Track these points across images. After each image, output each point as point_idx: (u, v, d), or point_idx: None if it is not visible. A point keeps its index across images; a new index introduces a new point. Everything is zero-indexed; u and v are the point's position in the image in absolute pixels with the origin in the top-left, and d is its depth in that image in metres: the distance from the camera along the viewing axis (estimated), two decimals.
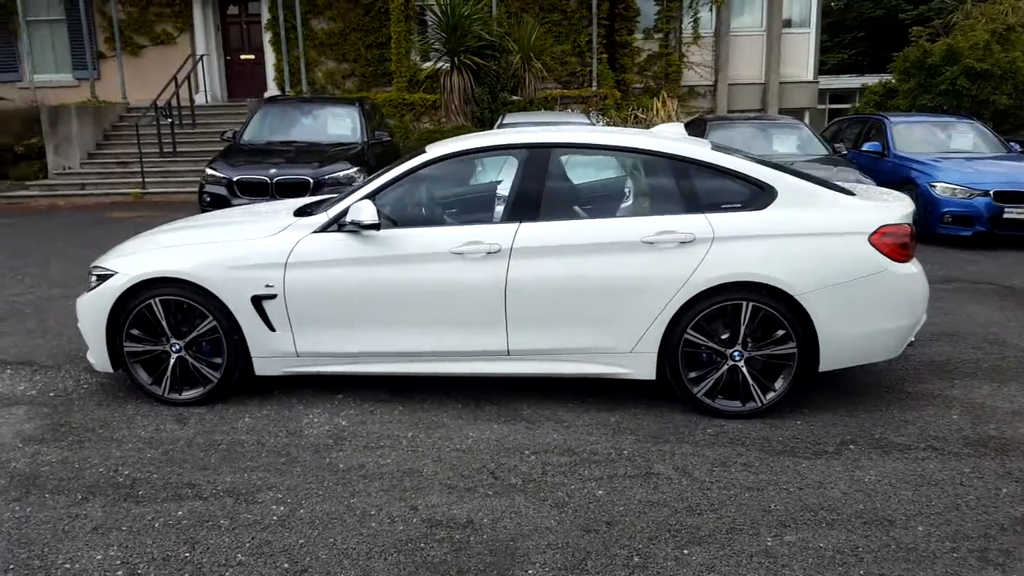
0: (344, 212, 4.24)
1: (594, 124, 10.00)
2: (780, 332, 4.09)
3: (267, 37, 16.70)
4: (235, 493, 3.48)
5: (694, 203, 4.19)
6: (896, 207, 4.22)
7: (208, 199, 8.75)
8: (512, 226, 4.19)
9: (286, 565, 2.93)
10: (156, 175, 13.44)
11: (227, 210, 5.67)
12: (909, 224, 4.18)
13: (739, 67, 17.30)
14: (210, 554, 3.01)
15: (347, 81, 16.72)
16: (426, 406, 4.42)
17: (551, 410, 4.35)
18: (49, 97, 15.81)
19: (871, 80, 17.75)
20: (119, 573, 2.89)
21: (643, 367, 4.22)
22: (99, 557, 2.99)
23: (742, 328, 4.10)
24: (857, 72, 23.79)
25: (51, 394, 4.68)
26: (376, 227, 4.17)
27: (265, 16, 16.63)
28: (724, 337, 4.14)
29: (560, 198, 4.30)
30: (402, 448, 3.91)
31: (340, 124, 10.15)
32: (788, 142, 9.75)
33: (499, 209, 4.31)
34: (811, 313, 4.04)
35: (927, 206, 9.08)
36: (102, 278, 4.40)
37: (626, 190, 4.44)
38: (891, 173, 9.80)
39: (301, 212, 4.66)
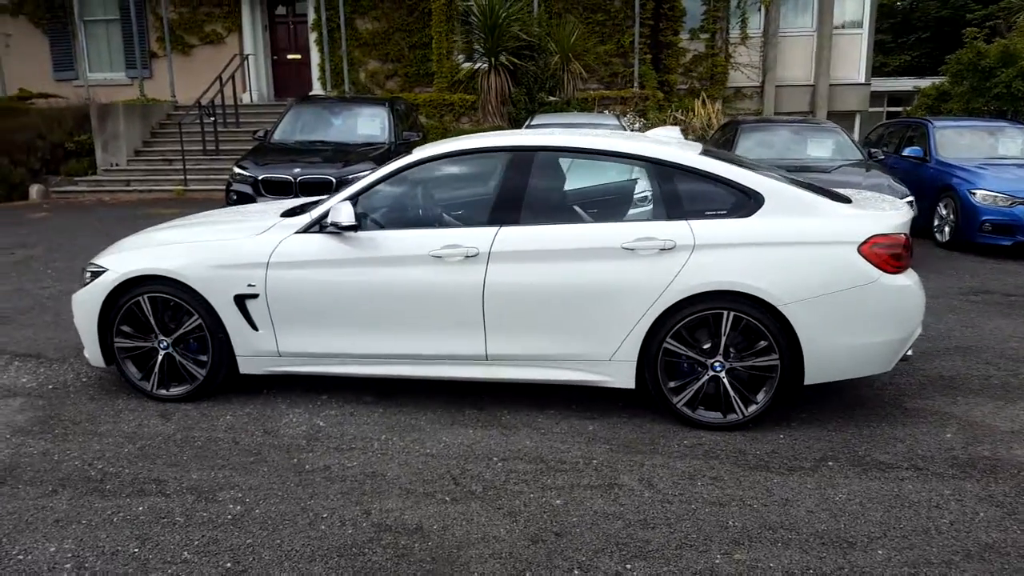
0: (326, 214, 4.27)
1: (622, 126, 9.88)
2: (762, 343, 3.97)
3: (312, 37, 16.98)
4: (198, 490, 3.53)
5: (678, 209, 4.09)
6: (890, 216, 4.05)
7: (235, 197, 8.92)
8: (492, 230, 4.16)
9: (228, 564, 2.96)
10: (198, 172, 13.78)
11: (220, 210, 5.77)
12: (903, 234, 4.00)
13: (787, 68, 16.88)
14: (158, 550, 3.05)
15: (390, 81, 16.89)
16: (407, 409, 4.42)
17: (531, 417, 4.30)
18: (103, 95, 16.37)
19: (927, 83, 17.10)
20: (67, 566, 2.96)
21: (622, 375, 4.14)
22: (52, 549, 3.06)
23: (723, 338, 3.99)
24: (918, 74, 22.98)
25: (50, 387, 4.83)
26: (354, 228, 4.19)
27: (311, 16, 16.91)
28: (706, 347, 4.03)
29: (541, 202, 4.24)
30: (372, 451, 3.92)
31: (369, 124, 10.25)
32: (823, 146, 9.46)
33: (480, 212, 4.27)
34: (794, 324, 3.90)
35: (966, 214, 8.72)
36: (95, 275, 4.52)
37: (610, 195, 4.36)
38: (931, 180, 9.44)
39: (289, 213, 4.71)
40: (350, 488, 3.53)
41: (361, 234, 4.26)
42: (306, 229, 4.34)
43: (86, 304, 4.51)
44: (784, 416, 4.25)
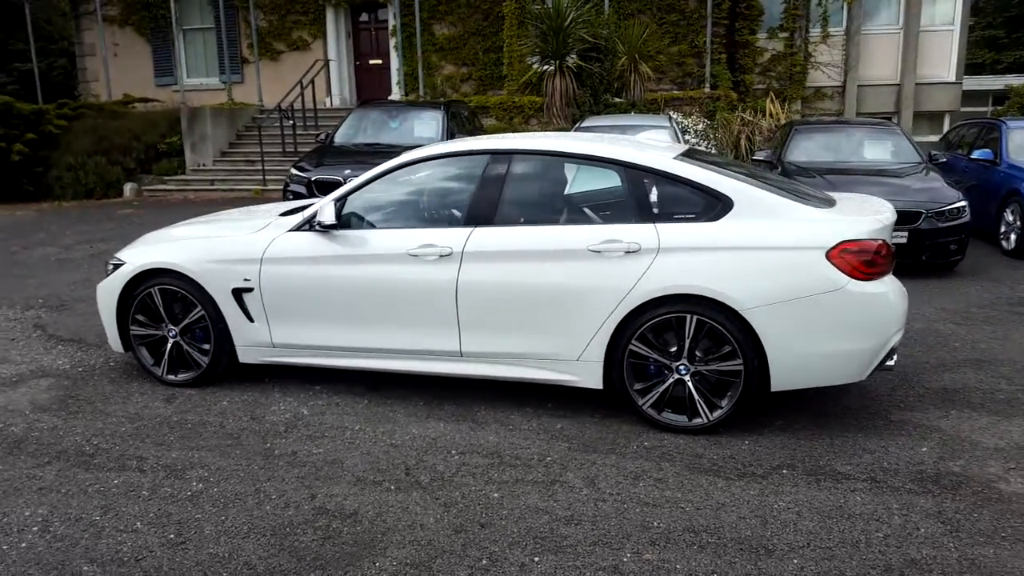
0: (316, 213, 4.51)
1: (674, 127, 9.78)
2: (727, 348, 3.93)
3: (392, 42, 17.51)
4: (171, 468, 3.81)
5: (646, 212, 4.10)
6: (864, 222, 3.92)
7: (291, 196, 9.37)
8: (467, 230, 4.29)
9: (171, 536, 3.21)
10: (277, 173, 14.46)
11: (233, 209, 6.11)
12: (878, 240, 3.87)
13: (871, 67, 16.17)
14: (116, 519, 3.34)
15: (465, 84, 17.22)
16: (390, 402, 4.60)
17: (505, 413, 4.40)
18: (198, 99, 17.45)
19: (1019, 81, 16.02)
20: (34, 528, 3.28)
21: (590, 376, 4.18)
22: (27, 514, 3.40)
23: (687, 341, 3.98)
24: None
25: (80, 369, 5.29)
26: (334, 227, 4.41)
27: (391, 22, 17.44)
28: (672, 350, 4.03)
29: (516, 204, 4.33)
30: (341, 439, 4.11)
31: (425, 127, 10.54)
32: (879, 148, 9.08)
33: (458, 213, 4.41)
34: (758, 329, 3.85)
35: None
36: (116, 267, 4.92)
37: (583, 198, 4.40)
38: (998, 184, 8.91)
39: (289, 213, 4.98)
40: (307, 473, 3.74)
41: (347, 232, 4.48)
42: (298, 228, 4.59)
43: (107, 294, 4.92)
44: (758, 422, 4.19)
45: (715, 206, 4.02)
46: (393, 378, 4.87)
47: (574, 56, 14.22)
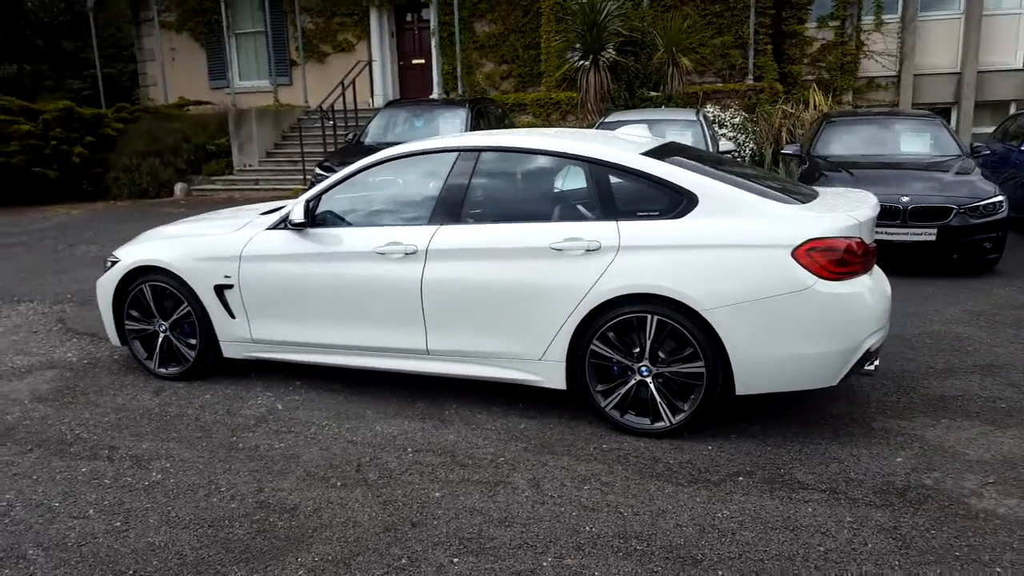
0: (290, 212, 4.57)
1: (701, 121, 9.55)
2: (689, 349, 3.82)
3: (434, 42, 17.63)
4: (137, 458, 3.93)
5: (610, 209, 4.02)
6: (836, 219, 3.75)
7: None
8: (432, 228, 4.28)
9: (117, 524, 3.30)
10: None
11: (222, 209, 6.23)
12: (850, 238, 3.69)
13: (928, 55, 15.46)
14: (72, 506, 3.46)
15: (505, 82, 17.20)
16: (364, 399, 4.63)
17: (473, 412, 4.38)
18: (249, 101, 17.90)
19: None
20: None
21: (553, 376, 4.13)
22: None
23: (648, 342, 3.88)
24: None
25: (85, 362, 5.49)
26: (303, 226, 4.47)
27: (433, 22, 17.56)
28: (635, 351, 3.94)
29: (482, 202, 4.31)
30: (305, 435, 4.16)
31: (449, 125, 10.58)
32: (917, 141, 8.68)
33: (425, 211, 4.40)
34: (719, 331, 3.73)
35: None
36: (113, 263, 5.09)
37: (548, 194, 4.34)
38: None
39: (270, 212, 5.06)
40: (262, 467, 3.80)
41: (319, 231, 4.53)
42: (275, 226, 4.66)
43: (104, 290, 5.10)
44: (730, 427, 4.06)
45: (679, 203, 3.91)
46: (372, 375, 4.89)
47: (611, 51, 14.04)
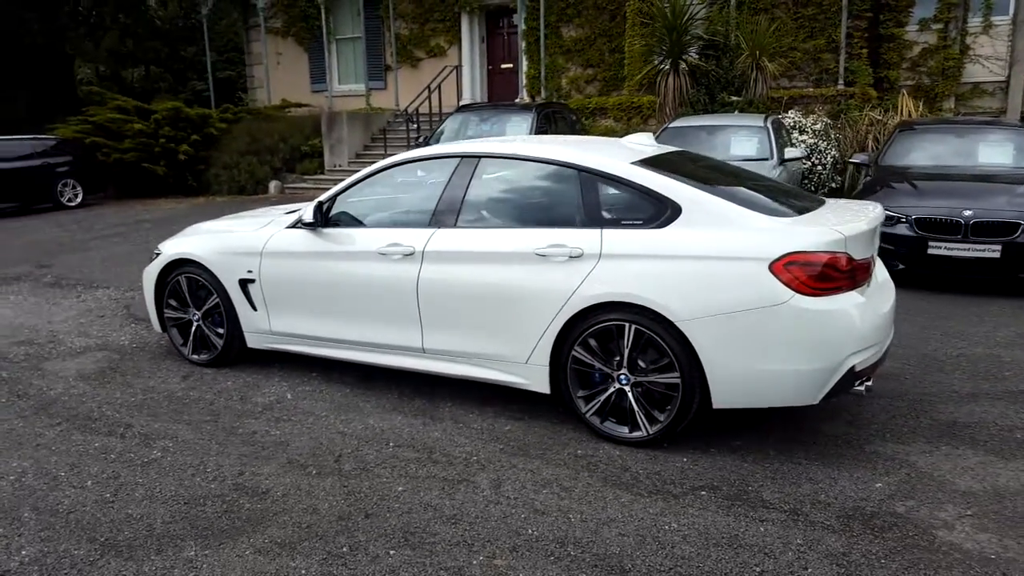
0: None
1: (767, 128, 9.27)
2: (666, 360, 3.79)
3: (522, 46, 17.82)
4: (146, 436, 4.25)
5: (596, 217, 4.03)
6: (817, 233, 3.62)
7: None
8: (430, 231, 4.42)
9: (107, 495, 3.60)
10: None
11: (260, 208, 6.55)
12: (832, 252, 3.56)
13: None
14: (75, 477, 3.79)
15: (589, 86, 17.18)
16: (367, 393, 4.81)
17: (464, 411, 4.48)
18: (346, 104, 18.66)
19: None
20: (11, 477, 3.79)
21: (537, 380, 4.18)
22: (14, 464, 3.93)
23: (626, 351, 3.87)
24: None
25: (134, 346, 5.94)
26: (314, 225, 4.70)
27: (521, 26, 17.76)
28: (615, 359, 3.94)
29: (479, 206, 4.40)
30: (303, 424, 4.38)
31: (515, 129, 10.72)
32: (997, 152, 8.12)
33: (426, 214, 4.53)
34: (694, 343, 3.68)
35: None
36: (156, 256, 5.49)
37: (539, 201, 4.37)
38: None
39: (291, 212, 5.33)
40: (252, 452, 4.03)
41: (330, 230, 4.75)
42: (293, 225, 4.91)
43: (148, 280, 5.51)
44: (714, 440, 3.99)
45: (663, 212, 3.88)
46: (381, 371, 5.06)
47: (692, 55, 13.80)
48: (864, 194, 7.58)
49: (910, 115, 12.64)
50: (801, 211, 3.96)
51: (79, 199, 15.62)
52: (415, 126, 15.43)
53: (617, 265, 3.86)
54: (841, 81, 14.24)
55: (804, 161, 11.88)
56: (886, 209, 7.09)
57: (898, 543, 3.07)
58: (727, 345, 3.64)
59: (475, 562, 2.99)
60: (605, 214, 4.02)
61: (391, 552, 3.07)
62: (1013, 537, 3.08)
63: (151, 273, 5.47)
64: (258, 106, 19.64)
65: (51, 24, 21.92)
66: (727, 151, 9.10)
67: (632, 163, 4.09)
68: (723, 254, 3.68)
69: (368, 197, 4.85)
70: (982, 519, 3.23)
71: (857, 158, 8.71)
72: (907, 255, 6.99)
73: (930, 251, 6.88)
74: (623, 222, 3.97)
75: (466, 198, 4.40)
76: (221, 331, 5.24)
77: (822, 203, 4.32)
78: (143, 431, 4.32)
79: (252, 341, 5.17)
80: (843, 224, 3.74)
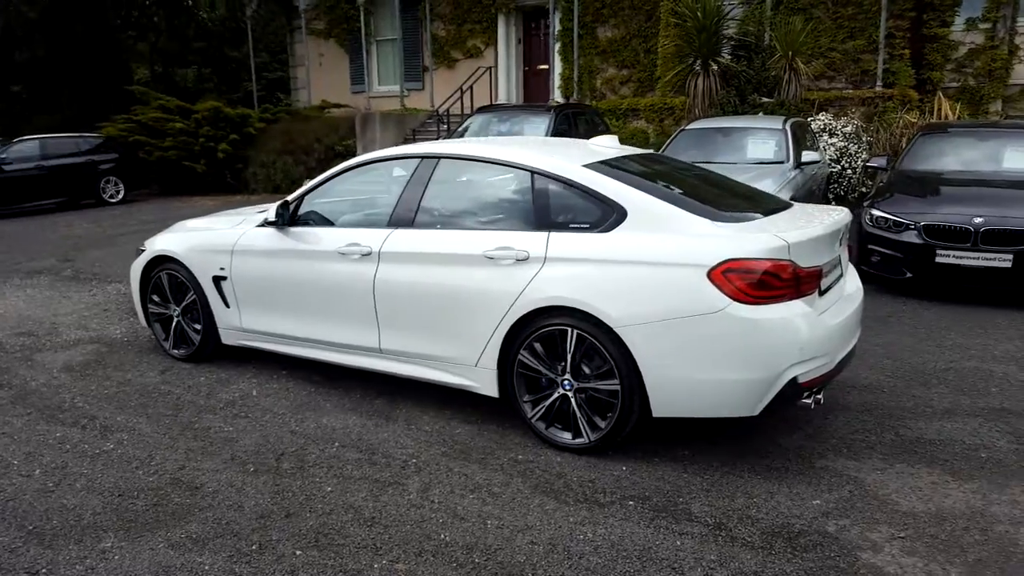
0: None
1: (786, 131, 9.01)
2: (606, 366, 3.71)
3: (556, 47, 17.75)
4: (106, 429, 4.34)
5: (545, 220, 3.98)
6: (758, 240, 3.48)
7: None
8: (387, 231, 4.42)
9: (50, 484, 3.69)
10: None
11: (244, 207, 6.63)
12: (774, 260, 3.43)
13: None
14: (27, 465, 3.89)
15: (624, 87, 17.01)
16: (331, 392, 4.82)
17: (420, 413, 4.47)
18: (384, 105, 18.88)
19: None
20: None
21: (486, 383, 4.14)
22: None
23: (568, 356, 3.81)
24: None
25: (124, 339, 6.10)
26: (276, 224, 4.76)
27: (556, 27, 17.69)
28: (560, 364, 3.88)
29: (435, 207, 4.38)
30: (259, 421, 4.42)
31: (533, 129, 10.68)
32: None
33: (385, 215, 4.53)
34: (632, 349, 3.60)
35: None
36: (140, 252, 5.63)
37: (492, 203, 4.32)
38: None
39: (263, 212, 5.39)
40: (200, 447, 4.09)
41: (295, 229, 4.79)
42: (262, 224, 4.98)
43: (134, 275, 5.65)
44: (661, 449, 3.90)
45: (609, 216, 3.80)
46: (351, 370, 5.06)
47: (726, 55, 13.54)
48: (874, 199, 7.31)
49: (946, 117, 12.16)
50: (755, 216, 3.84)
51: (120, 195, 16.15)
52: (445, 127, 15.49)
53: (561, 269, 3.79)
54: (879, 82, 13.79)
55: (831, 164, 11.54)
56: (893, 215, 6.88)
57: (816, 563, 2.94)
58: (664, 353, 3.55)
59: (376, 566, 2.98)
60: (555, 217, 3.96)
61: (297, 552, 3.08)
62: (940, 562, 2.93)
63: (136, 269, 5.61)
64: (300, 106, 19.99)
65: (103, 27, 22.71)
66: (742, 154, 8.90)
67: (584, 165, 4.02)
68: (662, 260, 3.59)
69: (334, 197, 4.88)
70: (914, 542, 3.07)
71: (875, 162, 8.42)
72: (914, 263, 6.72)
73: (938, 259, 6.59)
74: (571, 225, 3.90)
75: (423, 199, 4.39)
76: (198, 327, 5.34)
77: (787, 207, 4.19)
78: (105, 423, 4.42)
79: (226, 337, 5.25)
80: (791, 231, 3.60)
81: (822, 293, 3.78)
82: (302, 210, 4.87)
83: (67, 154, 15.56)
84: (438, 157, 4.45)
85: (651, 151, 4.96)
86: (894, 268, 6.89)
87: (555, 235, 3.88)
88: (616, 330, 3.61)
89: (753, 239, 3.51)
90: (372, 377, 4.91)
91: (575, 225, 3.89)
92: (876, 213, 7.03)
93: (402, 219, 4.41)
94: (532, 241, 3.92)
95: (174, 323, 5.47)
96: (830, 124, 11.80)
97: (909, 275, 6.79)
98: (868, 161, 9.15)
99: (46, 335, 6.27)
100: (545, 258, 3.84)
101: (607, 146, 4.62)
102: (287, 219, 4.81)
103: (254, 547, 3.12)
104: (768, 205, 4.15)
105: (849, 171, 11.61)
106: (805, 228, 3.69)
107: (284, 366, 5.27)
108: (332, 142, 17.12)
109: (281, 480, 3.69)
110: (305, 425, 4.35)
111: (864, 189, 11.57)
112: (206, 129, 16.82)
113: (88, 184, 15.68)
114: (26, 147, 15.19)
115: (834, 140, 11.69)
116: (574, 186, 3.94)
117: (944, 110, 12.23)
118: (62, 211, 15.19)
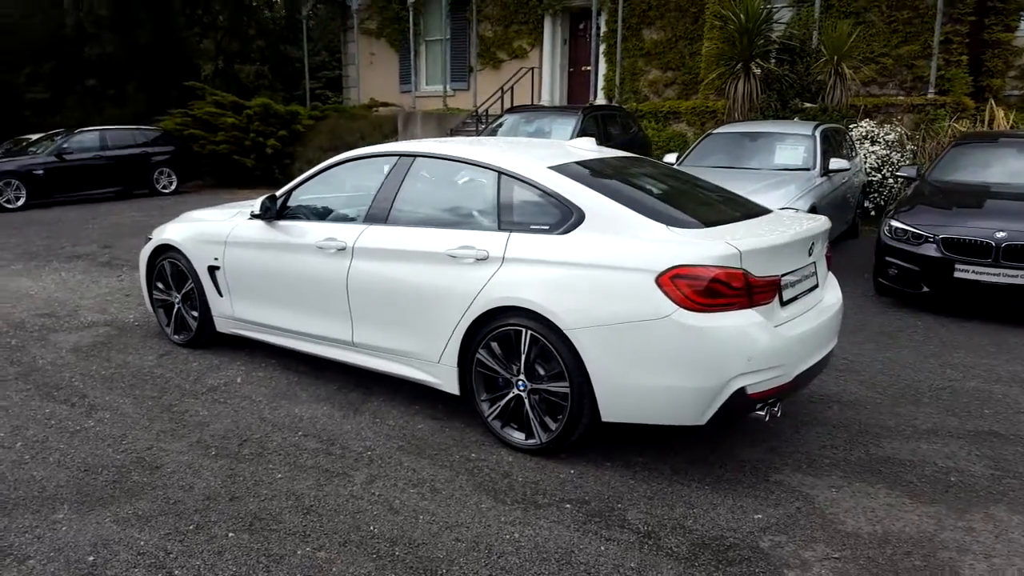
0: None
1: (815, 136, 8.80)
2: (557, 368, 3.71)
3: (602, 48, 17.66)
4: (93, 407, 4.54)
5: (507, 220, 4.00)
6: (708, 246, 3.42)
7: None
8: (362, 227, 4.50)
9: (26, 458, 3.88)
10: None
11: (248, 200, 6.78)
12: (724, 268, 3.38)
13: None
14: (11, 439, 4.10)
15: (668, 89, 16.82)
16: (311, 382, 4.93)
17: (390, 407, 4.53)
18: (430, 104, 19.10)
19: None
20: None
21: (447, 380, 4.18)
22: None
23: (523, 356, 3.82)
24: None
25: (136, 324, 6.34)
26: (262, 217, 4.89)
27: (601, 28, 17.61)
28: (515, 365, 3.89)
29: (407, 205, 4.43)
30: (236, 408, 4.55)
31: (560, 129, 10.66)
32: None
33: (362, 211, 4.61)
34: (581, 352, 3.59)
35: None
36: (147, 241, 5.85)
37: (460, 202, 4.35)
38: None
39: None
40: (173, 428, 4.24)
41: (282, 223, 4.92)
42: (254, 216, 5.12)
43: (142, 263, 5.87)
44: (615, 454, 3.88)
45: (569, 218, 3.80)
46: (335, 362, 5.16)
47: (771, 58, 13.28)
48: (896, 210, 7.08)
49: (999, 127, 11.66)
50: (720, 222, 3.78)
51: (173, 187, 16.74)
52: (483, 126, 15.58)
53: (517, 270, 3.81)
54: (932, 89, 13.31)
55: (871, 173, 11.21)
56: (912, 227, 6.66)
57: (734, 571, 2.89)
58: (612, 357, 3.53)
59: (299, 552, 3.05)
60: (517, 217, 3.97)
61: (230, 535, 3.17)
62: None
63: (144, 256, 5.83)
64: (350, 104, 20.37)
65: (170, 24, 23.57)
66: (768, 159, 8.73)
67: (550, 167, 4.02)
68: (613, 263, 3.56)
69: (319, 193, 4.99)
70: (848, 564, 2.99)
71: (905, 171, 8.13)
72: (932, 277, 6.48)
73: (956, 274, 6.35)
74: (532, 226, 3.91)
75: (398, 196, 4.46)
76: (196, 314, 5.52)
77: (763, 214, 4.11)
78: (93, 402, 4.62)
79: (220, 325, 5.42)
80: (748, 238, 3.54)
81: (785, 303, 3.70)
82: (291, 204, 4.99)
83: (125, 145, 16.21)
84: (414, 156, 4.51)
85: (636, 155, 4.91)
86: (911, 282, 6.67)
87: (515, 236, 3.90)
88: (566, 332, 3.61)
89: (704, 246, 3.45)
90: (353, 370, 4.99)
91: (535, 226, 3.90)
92: (895, 224, 6.81)
93: (376, 216, 4.49)
94: (493, 241, 3.94)
95: (175, 310, 5.67)
96: (872, 131, 11.45)
97: (926, 289, 6.56)
98: (898, 170, 8.86)
99: (66, 317, 6.56)
100: (503, 258, 3.86)
101: (583, 148, 4.60)
102: (274, 212, 4.94)
103: (191, 527, 3.23)
104: (743, 212, 4.08)
105: (890, 180, 11.26)
106: (764, 236, 3.62)
107: (273, 356, 5.41)
108: (376, 140, 17.34)
109: (237, 465, 3.80)
110: (277, 413, 4.46)
111: None
112: (256, 125, 17.30)
113: (143, 175, 16.30)
114: (87, 138, 15.88)
115: (875, 148, 11.34)
116: (536, 187, 3.94)
117: (998, 119, 11.73)
118: (117, 200, 15.83)
